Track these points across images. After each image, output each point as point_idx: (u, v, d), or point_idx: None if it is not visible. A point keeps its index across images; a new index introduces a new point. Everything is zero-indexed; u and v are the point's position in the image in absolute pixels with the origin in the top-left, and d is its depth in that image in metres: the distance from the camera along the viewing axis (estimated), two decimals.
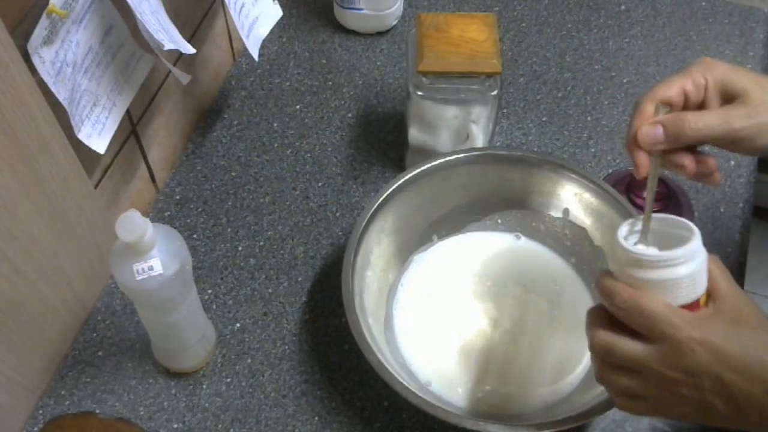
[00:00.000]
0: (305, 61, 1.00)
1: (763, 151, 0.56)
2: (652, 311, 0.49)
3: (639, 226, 0.54)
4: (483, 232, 0.80)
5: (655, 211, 0.77)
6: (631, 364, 0.51)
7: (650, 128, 0.54)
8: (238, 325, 0.76)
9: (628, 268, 0.51)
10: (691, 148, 0.56)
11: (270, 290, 0.79)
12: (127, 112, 0.74)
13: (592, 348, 0.53)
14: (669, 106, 0.55)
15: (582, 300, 0.75)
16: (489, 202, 0.79)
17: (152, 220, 0.59)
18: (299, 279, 0.80)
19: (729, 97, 0.55)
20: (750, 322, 0.51)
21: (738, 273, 0.81)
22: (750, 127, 0.53)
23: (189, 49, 0.71)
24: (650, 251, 0.51)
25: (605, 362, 0.53)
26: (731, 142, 0.54)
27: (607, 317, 0.52)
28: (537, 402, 0.69)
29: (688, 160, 0.55)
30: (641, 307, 0.50)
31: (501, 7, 1.07)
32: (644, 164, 0.55)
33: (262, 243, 0.82)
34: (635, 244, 0.53)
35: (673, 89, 0.55)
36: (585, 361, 0.71)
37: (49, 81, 0.59)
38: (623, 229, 0.54)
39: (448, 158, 0.76)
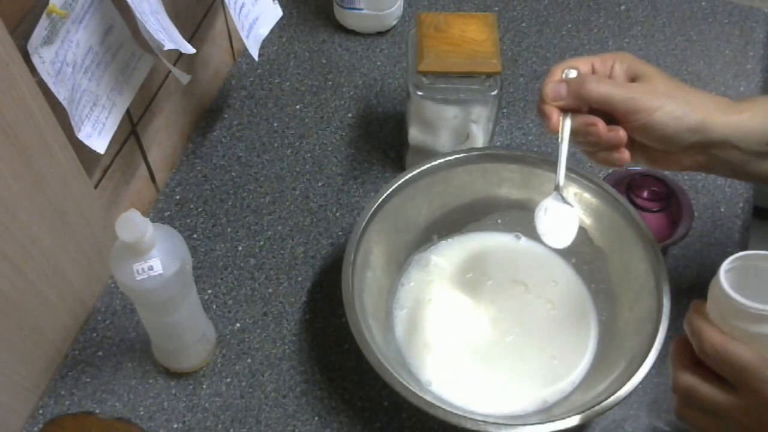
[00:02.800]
0: (305, 61, 1.00)
1: (663, 134, 0.57)
2: (745, 364, 0.48)
3: (740, 264, 0.53)
4: (483, 232, 0.80)
5: (655, 211, 0.77)
6: (715, 409, 0.50)
7: (555, 85, 0.58)
8: (238, 325, 0.76)
9: (731, 317, 0.49)
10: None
11: (270, 290, 0.79)
12: (127, 112, 0.74)
13: (675, 388, 0.52)
14: (576, 71, 0.59)
15: (582, 300, 0.75)
16: (489, 202, 0.79)
17: (152, 220, 0.59)
18: (299, 279, 0.80)
19: (633, 79, 0.59)
20: None
21: None
22: (648, 100, 0.56)
23: (189, 49, 0.71)
24: (762, 305, 0.48)
25: (686, 402, 0.52)
26: (631, 112, 0.56)
27: (692, 356, 0.51)
28: (537, 402, 0.69)
29: (600, 123, 0.58)
30: (732, 358, 0.48)
31: (501, 7, 1.07)
32: (552, 117, 0.59)
33: (262, 243, 0.82)
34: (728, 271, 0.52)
35: (582, 60, 0.60)
36: (585, 360, 0.71)
37: (49, 81, 0.59)
38: (725, 270, 0.51)
39: (448, 158, 0.76)
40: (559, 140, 0.59)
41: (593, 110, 0.60)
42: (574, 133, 0.60)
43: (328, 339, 0.76)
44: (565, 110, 0.60)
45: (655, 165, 0.63)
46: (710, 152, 0.59)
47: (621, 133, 0.58)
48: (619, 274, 0.73)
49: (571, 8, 1.07)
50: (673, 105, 0.57)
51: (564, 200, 0.62)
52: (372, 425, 0.70)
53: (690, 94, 0.58)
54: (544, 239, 0.64)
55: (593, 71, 0.60)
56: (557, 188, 0.61)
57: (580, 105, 0.59)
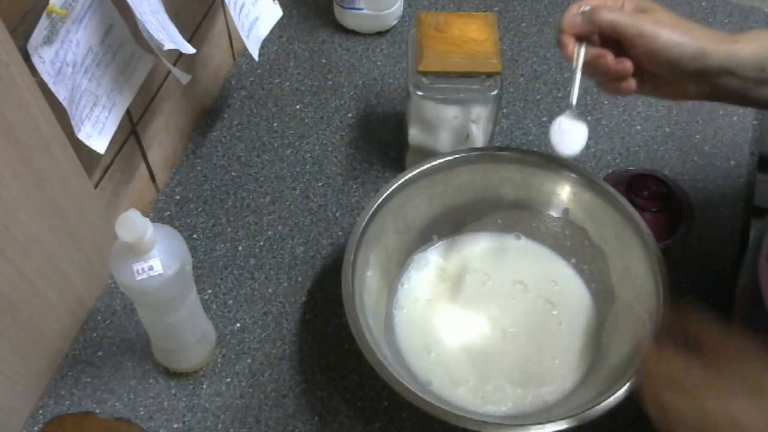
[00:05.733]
0: (305, 61, 1.00)
1: (666, 59, 0.62)
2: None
3: None
4: (483, 232, 0.80)
5: (654, 211, 0.77)
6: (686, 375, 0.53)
7: (571, 15, 0.65)
8: (238, 325, 0.76)
9: None
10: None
11: (270, 290, 0.79)
12: (127, 112, 0.74)
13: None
14: (590, 6, 0.65)
15: (582, 300, 0.75)
16: (489, 202, 0.79)
17: (152, 220, 0.59)
18: (299, 279, 0.80)
19: (641, 12, 0.64)
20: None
21: (738, 273, 0.81)
22: (652, 27, 0.62)
23: (189, 49, 0.71)
24: None
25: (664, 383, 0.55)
26: (638, 37, 0.62)
27: None
28: (537, 402, 0.69)
29: (608, 54, 0.64)
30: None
31: (501, 7, 1.07)
32: (569, 46, 0.65)
33: (262, 243, 0.82)
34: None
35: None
36: (585, 360, 0.71)
37: (49, 81, 0.59)
38: None
39: (448, 158, 0.76)
40: (574, 66, 0.65)
41: (604, 45, 0.65)
42: (586, 64, 0.65)
43: (328, 339, 0.76)
44: (580, 40, 0.65)
45: (662, 95, 0.67)
46: (711, 80, 0.63)
47: (627, 64, 0.63)
48: (619, 274, 0.73)
49: None
50: (675, 33, 0.62)
51: (576, 117, 0.67)
52: (372, 425, 0.70)
53: (690, 25, 0.63)
54: (557, 148, 0.68)
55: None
56: (570, 107, 0.67)
57: (593, 31, 0.64)
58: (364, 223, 0.71)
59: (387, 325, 0.73)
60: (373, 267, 0.72)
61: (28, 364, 0.69)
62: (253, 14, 0.83)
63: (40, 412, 0.71)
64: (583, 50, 0.65)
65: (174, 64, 0.77)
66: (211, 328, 0.74)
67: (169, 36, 0.68)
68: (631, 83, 0.65)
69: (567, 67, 0.99)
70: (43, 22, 0.58)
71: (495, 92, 0.77)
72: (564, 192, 0.77)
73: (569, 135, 0.68)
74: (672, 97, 0.68)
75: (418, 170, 0.76)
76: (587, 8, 0.65)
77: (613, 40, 0.64)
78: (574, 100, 0.67)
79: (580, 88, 0.67)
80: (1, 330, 0.63)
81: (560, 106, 0.95)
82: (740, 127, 0.93)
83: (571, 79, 0.66)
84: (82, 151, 0.67)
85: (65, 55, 0.61)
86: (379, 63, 1.00)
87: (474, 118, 0.79)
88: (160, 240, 0.60)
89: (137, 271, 0.59)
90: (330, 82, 0.97)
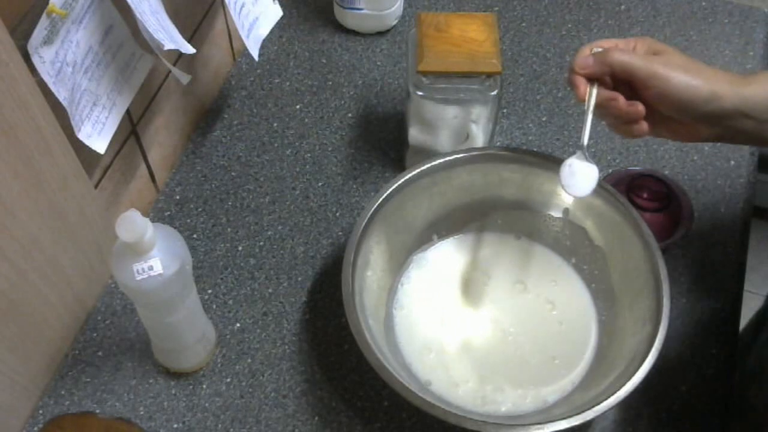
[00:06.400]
0: (305, 61, 1.00)
1: (678, 102, 0.63)
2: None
3: None
4: (483, 232, 0.80)
5: (655, 211, 0.77)
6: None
7: (584, 57, 0.65)
8: (238, 325, 0.76)
9: None
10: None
11: (270, 290, 0.79)
12: (127, 112, 0.74)
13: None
14: (602, 48, 0.66)
15: (582, 300, 0.75)
16: (489, 202, 0.79)
17: (152, 220, 0.59)
18: (299, 279, 0.80)
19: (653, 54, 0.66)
20: None
21: (738, 273, 0.81)
22: (664, 69, 0.62)
23: (189, 49, 0.71)
24: None
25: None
26: (650, 79, 0.62)
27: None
28: (537, 402, 0.69)
29: (620, 97, 0.64)
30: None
31: (501, 7, 1.07)
32: (580, 87, 0.65)
33: (262, 243, 0.82)
34: None
35: (607, 41, 0.67)
36: (585, 360, 0.71)
37: (49, 81, 0.59)
38: None
39: (448, 158, 0.76)
40: (586, 107, 0.65)
41: (616, 87, 0.65)
42: (597, 105, 0.65)
43: (328, 339, 0.76)
44: (591, 80, 0.65)
45: (675, 137, 0.67)
46: (724, 123, 0.63)
47: (640, 107, 0.63)
48: (619, 274, 0.73)
49: (571, 8, 1.07)
50: (687, 75, 0.62)
51: (587, 159, 0.67)
52: (372, 425, 0.70)
53: (703, 68, 0.64)
54: (568, 190, 0.68)
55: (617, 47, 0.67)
56: (582, 148, 0.67)
57: (605, 72, 0.65)
58: (364, 223, 0.71)
59: (387, 325, 0.73)
60: (373, 267, 0.72)
61: (28, 364, 0.69)
62: (253, 14, 0.83)
63: (40, 412, 0.71)
64: (595, 91, 0.65)
65: (174, 64, 0.77)
66: (211, 328, 0.74)
67: (169, 36, 0.68)
68: (644, 126, 0.65)
69: (567, 67, 0.99)
70: (43, 22, 0.58)
71: (495, 92, 0.77)
72: (564, 192, 0.76)
73: (580, 177, 0.67)
74: (686, 139, 0.67)
75: (418, 170, 0.76)
76: (599, 50, 0.65)
77: (625, 83, 0.64)
78: (585, 140, 0.67)
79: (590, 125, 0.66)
80: (1, 330, 0.63)
81: (560, 106, 0.95)
82: None
83: (583, 121, 0.66)
84: (82, 151, 0.67)
85: (65, 55, 0.61)
86: (379, 63, 1.00)
87: (474, 118, 0.79)
88: (160, 240, 0.60)
89: (137, 271, 0.59)
90: (330, 82, 0.97)
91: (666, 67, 0.62)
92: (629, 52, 0.64)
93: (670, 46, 0.65)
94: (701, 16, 1.06)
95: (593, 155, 0.90)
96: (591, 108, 0.65)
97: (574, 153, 0.68)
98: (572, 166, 0.67)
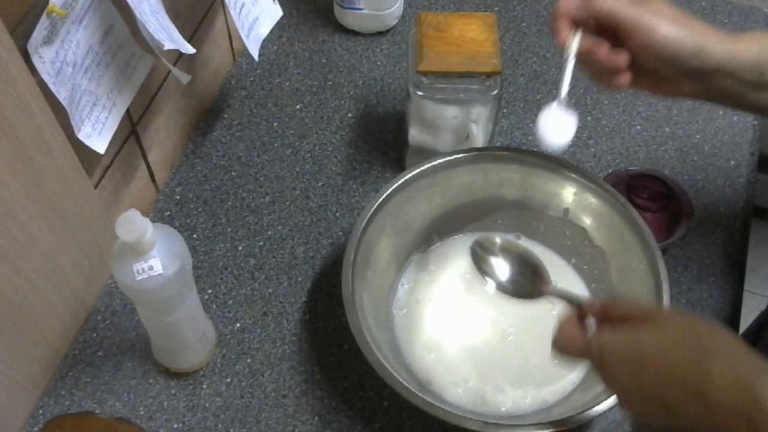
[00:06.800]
0: (305, 61, 1.00)
1: (664, 53, 0.60)
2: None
3: None
4: (483, 232, 0.80)
5: (655, 211, 0.77)
6: (634, 346, 0.52)
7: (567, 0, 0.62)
8: (238, 325, 0.76)
9: None
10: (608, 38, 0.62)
11: (270, 290, 0.79)
12: (127, 112, 0.74)
13: (590, 352, 0.54)
14: None
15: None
16: (489, 202, 0.79)
17: (152, 220, 0.59)
18: (299, 279, 0.80)
19: (639, 3, 0.61)
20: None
21: (738, 273, 0.81)
22: (651, 19, 0.59)
23: (189, 49, 0.71)
24: None
25: (604, 359, 0.54)
26: (636, 28, 0.59)
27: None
28: (537, 402, 0.69)
29: (604, 46, 0.61)
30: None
31: (501, 7, 1.07)
32: (562, 32, 0.62)
33: (262, 243, 0.82)
34: None
35: None
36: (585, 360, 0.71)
37: (49, 81, 0.59)
38: None
39: (448, 158, 0.76)
40: (566, 54, 0.62)
41: (600, 34, 0.62)
42: (579, 53, 0.62)
43: (328, 339, 0.76)
44: (575, 26, 0.62)
45: (656, 92, 0.65)
46: (707, 80, 0.61)
47: (623, 57, 0.61)
48: (619, 274, 0.73)
49: None
50: (674, 27, 0.59)
51: (566, 109, 0.64)
52: (372, 425, 0.70)
53: (691, 20, 0.61)
54: (543, 139, 0.64)
55: None
56: (559, 98, 0.63)
57: (589, 17, 0.62)
58: (364, 223, 0.71)
59: (387, 325, 0.73)
60: (373, 267, 0.72)
61: (28, 364, 0.69)
62: (253, 14, 0.83)
63: (40, 412, 0.71)
64: (577, 38, 0.62)
65: (174, 64, 0.77)
66: (211, 328, 0.74)
67: (169, 36, 0.68)
68: (625, 78, 0.62)
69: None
70: (43, 22, 0.58)
71: (495, 92, 0.77)
72: (564, 192, 0.77)
73: (557, 125, 0.64)
74: (665, 93, 0.65)
75: (418, 170, 0.76)
76: None
77: (610, 30, 0.61)
78: (564, 89, 0.63)
79: (573, 80, 0.63)
80: (1, 330, 0.63)
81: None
82: (740, 127, 0.93)
83: (562, 68, 0.63)
84: (82, 151, 0.67)
85: (65, 55, 0.61)
86: (379, 63, 1.00)
87: (474, 118, 0.79)
88: (160, 240, 0.60)
89: (137, 271, 0.59)
90: (330, 82, 0.97)
91: (654, 17, 0.59)
92: None
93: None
94: (701, 16, 1.04)
95: (593, 155, 0.90)
96: (572, 55, 0.61)
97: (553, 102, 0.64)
98: (549, 115, 0.64)
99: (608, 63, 0.61)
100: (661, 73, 0.62)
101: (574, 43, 0.62)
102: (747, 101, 0.63)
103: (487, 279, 0.65)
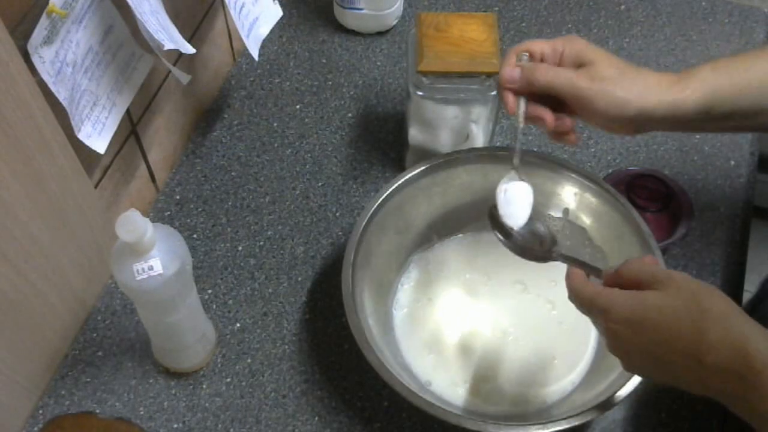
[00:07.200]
0: (305, 61, 1.00)
1: (605, 118, 0.62)
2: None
3: None
4: (483, 232, 0.80)
5: (655, 211, 0.77)
6: (634, 311, 0.54)
7: (510, 69, 0.64)
8: (238, 325, 0.76)
9: None
10: (552, 105, 0.64)
11: (270, 290, 0.79)
12: (127, 112, 0.74)
13: (595, 308, 0.56)
14: (528, 55, 0.65)
15: None
16: (489, 202, 0.79)
17: (152, 220, 0.59)
18: (299, 279, 0.80)
19: (580, 66, 0.63)
20: None
21: (738, 273, 0.81)
22: (589, 89, 0.61)
23: (189, 49, 0.71)
24: None
25: (608, 317, 0.56)
26: (575, 99, 0.62)
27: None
28: (537, 402, 0.69)
29: (548, 115, 0.64)
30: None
31: (501, 7, 1.07)
32: (509, 102, 0.65)
33: (262, 243, 0.82)
34: None
35: (536, 43, 0.65)
36: (585, 360, 0.71)
37: (49, 81, 0.59)
38: None
39: (448, 158, 0.76)
40: (517, 122, 0.65)
41: (546, 99, 0.64)
42: (528, 118, 0.65)
43: (328, 339, 0.76)
44: (520, 93, 0.65)
45: (610, 132, 0.67)
46: (654, 126, 0.64)
47: (567, 122, 0.64)
48: None
49: (571, 8, 1.07)
50: (614, 95, 0.61)
51: (520, 178, 0.67)
52: (372, 425, 0.70)
53: (634, 77, 0.62)
54: (506, 220, 0.66)
55: (542, 58, 0.65)
56: (515, 167, 0.66)
57: (531, 90, 0.64)
58: (364, 223, 0.71)
59: (387, 325, 0.73)
60: (373, 267, 0.72)
61: (28, 364, 0.69)
62: (253, 14, 0.83)
63: (40, 412, 0.71)
64: (522, 106, 0.64)
65: (174, 64, 0.77)
66: (211, 328, 0.74)
67: (169, 36, 0.68)
68: (572, 137, 0.66)
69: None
70: (43, 22, 0.58)
71: (495, 92, 0.77)
72: (564, 192, 0.77)
73: (517, 204, 0.66)
74: (619, 134, 0.69)
75: (418, 170, 0.76)
76: (525, 58, 0.64)
77: (553, 97, 0.63)
78: (516, 161, 0.66)
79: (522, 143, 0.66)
80: (1, 330, 0.63)
81: None
82: None
83: (514, 137, 0.66)
84: (82, 151, 0.67)
85: (65, 55, 0.61)
86: (379, 63, 1.00)
87: (474, 118, 0.79)
88: (160, 240, 0.60)
89: (137, 271, 0.59)
90: (330, 82, 0.97)
91: (592, 84, 0.60)
92: (552, 70, 0.63)
93: (600, 48, 0.63)
94: (701, 16, 1.06)
95: (593, 155, 0.90)
96: (521, 124, 0.65)
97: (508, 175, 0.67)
98: (507, 191, 0.66)
99: (554, 128, 0.65)
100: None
101: (520, 114, 0.65)
102: (698, 131, 0.67)
103: (502, 239, 0.66)
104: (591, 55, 0.63)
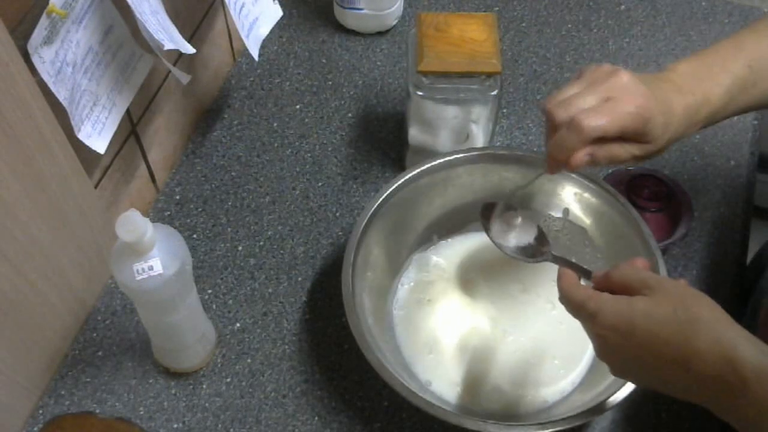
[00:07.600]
0: (305, 61, 1.00)
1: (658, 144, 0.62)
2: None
3: None
4: (483, 232, 0.80)
5: (655, 211, 0.77)
6: (622, 317, 0.54)
7: (582, 156, 0.60)
8: (238, 325, 0.76)
9: None
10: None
11: (270, 290, 0.79)
12: (127, 112, 0.74)
13: (584, 311, 0.55)
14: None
15: None
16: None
17: (152, 220, 0.59)
18: (299, 279, 0.80)
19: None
20: None
21: (738, 273, 0.81)
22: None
23: (189, 49, 0.71)
24: None
25: (596, 321, 0.55)
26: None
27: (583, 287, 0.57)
28: (537, 402, 0.69)
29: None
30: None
31: (501, 7, 1.07)
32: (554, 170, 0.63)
33: (262, 243, 0.82)
34: None
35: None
36: (585, 360, 0.71)
37: (49, 81, 0.59)
38: None
39: (448, 158, 0.76)
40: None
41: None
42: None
43: (328, 339, 0.76)
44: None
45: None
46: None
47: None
48: None
49: (571, 8, 1.07)
50: (638, 128, 0.60)
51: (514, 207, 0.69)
52: (372, 425, 0.70)
53: (654, 98, 0.60)
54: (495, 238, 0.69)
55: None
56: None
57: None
58: (364, 223, 0.71)
59: (387, 325, 0.73)
60: (373, 267, 0.72)
61: (28, 364, 0.69)
62: (253, 14, 0.83)
63: (40, 412, 0.71)
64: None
65: (174, 64, 0.77)
66: (211, 328, 0.74)
67: (169, 36, 0.68)
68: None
69: (567, 67, 1.00)
70: (43, 22, 0.58)
71: (495, 92, 0.77)
72: (564, 192, 0.77)
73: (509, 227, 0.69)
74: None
75: (418, 170, 0.76)
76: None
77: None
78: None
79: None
80: (1, 330, 0.63)
81: None
82: (740, 127, 0.93)
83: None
84: (82, 151, 0.67)
85: (65, 55, 0.61)
86: (379, 63, 1.00)
87: (474, 118, 0.80)
88: (160, 240, 0.60)
89: (137, 271, 0.59)
90: (330, 82, 0.97)
91: (620, 121, 0.60)
92: (617, 145, 0.61)
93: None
94: (701, 16, 1.06)
95: None
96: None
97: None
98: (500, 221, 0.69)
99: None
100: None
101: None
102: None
103: (496, 242, 0.68)
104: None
